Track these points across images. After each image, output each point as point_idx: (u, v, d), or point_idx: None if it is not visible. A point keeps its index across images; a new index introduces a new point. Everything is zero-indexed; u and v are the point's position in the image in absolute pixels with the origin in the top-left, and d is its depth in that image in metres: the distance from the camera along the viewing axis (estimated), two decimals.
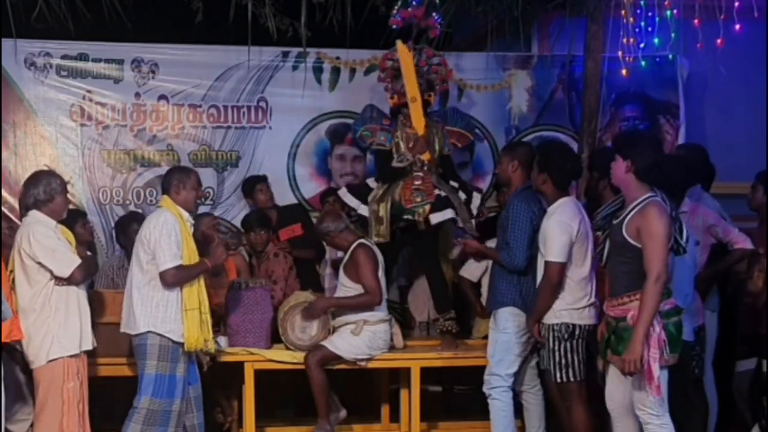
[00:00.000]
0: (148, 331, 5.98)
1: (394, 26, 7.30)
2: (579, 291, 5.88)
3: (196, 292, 6.07)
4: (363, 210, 7.16)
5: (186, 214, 6.14)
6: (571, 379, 5.90)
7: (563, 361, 5.89)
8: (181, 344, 6.01)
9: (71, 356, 5.94)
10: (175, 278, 5.97)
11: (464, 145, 7.40)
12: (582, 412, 5.92)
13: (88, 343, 6.06)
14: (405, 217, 7.05)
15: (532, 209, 6.21)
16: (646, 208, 5.18)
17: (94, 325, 6.19)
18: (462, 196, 7.14)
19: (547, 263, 5.85)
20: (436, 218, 7.00)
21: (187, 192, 6.13)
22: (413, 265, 7.53)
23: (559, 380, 5.93)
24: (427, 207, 7.00)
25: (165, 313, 5.99)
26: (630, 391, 5.35)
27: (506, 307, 6.28)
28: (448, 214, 7.00)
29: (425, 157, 7.12)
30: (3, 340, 5.55)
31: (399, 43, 7.24)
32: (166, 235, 5.96)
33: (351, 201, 7.23)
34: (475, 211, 7.13)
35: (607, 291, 5.46)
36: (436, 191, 7.06)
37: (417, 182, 7.10)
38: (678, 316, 5.30)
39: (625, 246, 5.22)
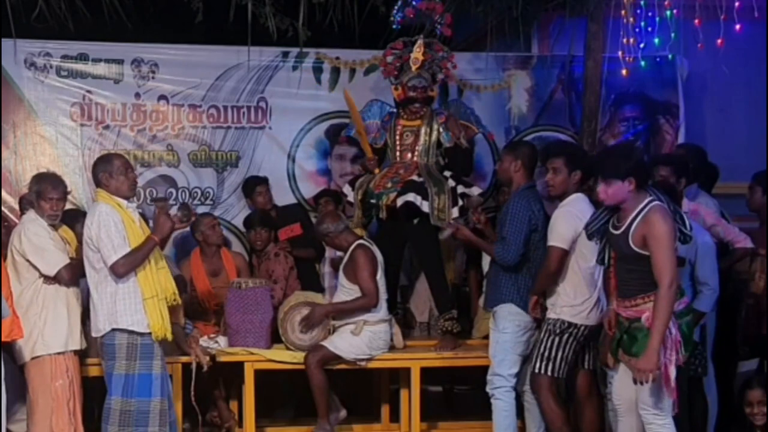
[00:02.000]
0: (112, 329, 5.85)
1: (409, 16, 7.31)
2: (583, 287, 5.92)
3: (151, 279, 5.90)
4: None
5: (124, 202, 5.95)
6: (548, 373, 5.97)
7: (546, 353, 5.96)
8: (150, 335, 5.87)
9: (58, 354, 5.95)
10: (125, 267, 5.81)
11: (470, 138, 7.37)
12: (552, 403, 6.01)
13: (76, 343, 6.06)
14: (371, 201, 7.10)
15: (531, 208, 6.22)
16: (649, 215, 5.15)
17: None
18: (459, 188, 7.11)
19: (549, 248, 5.91)
20: (400, 200, 6.98)
21: (115, 179, 5.93)
22: (414, 265, 7.53)
23: (536, 371, 6.01)
24: (393, 194, 7.00)
25: (124, 306, 5.84)
26: (636, 389, 5.36)
27: (505, 303, 6.28)
28: (409, 197, 6.96)
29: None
30: (3, 338, 5.54)
31: (345, 91, 7.53)
32: (105, 229, 5.81)
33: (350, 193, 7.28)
34: (460, 206, 7.01)
35: (614, 292, 5.43)
36: (412, 178, 7.05)
37: (400, 171, 7.13)
38: (690, 315, 5.33)
39: (634, 256, 5.19)
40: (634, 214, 5.21)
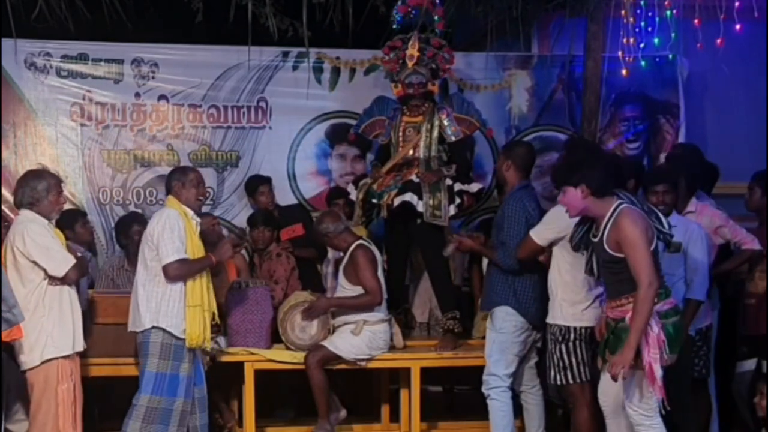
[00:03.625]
0: (153, 327, 6.02)
1: (401, 13, 7.30)
2: (579, 291, 5.88)
3: (199, 289, 6.09)
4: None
5: (191, 212, 6.20)
6: (570, 381, 5.90)
7: (561, 363, 5.90)
8: (184, 341, 6.04)
9: (64, 357, 5.93)
10: (177, 272, 6.01)
11: (471, 133, 7.39)
12: (585, 414, 5.91)
13: (80, 344, 6.06)
14: (372, 200, 7.14)
15: (526, 208, 6.21)
16: (618, 219, 5.18)
17: (87, 326, 6.18)
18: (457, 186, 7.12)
19: (527, 235, 5.96)
20: (397, 200, 7.01)
21: (187, 190, 6.20)
22: (414, 265, 7.53)
23: (558, 382, 5.95)
24: (393, 192, 7.02)
25: (167, 307, 6.03)
26: (623, 391, 5.35)
27: (501, 306, 6.27)
28: (406, 197, 6.99)
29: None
30: (4, 339, 5.53)
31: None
32: (169, 230, 6.02)
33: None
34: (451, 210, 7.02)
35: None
36: (411, 178, 7.06)
37: (403, 168, 7.15)
38: (676, 317, 5.29)
39: (612, 260, 5.22)
40: (605, 220, 5.23)
